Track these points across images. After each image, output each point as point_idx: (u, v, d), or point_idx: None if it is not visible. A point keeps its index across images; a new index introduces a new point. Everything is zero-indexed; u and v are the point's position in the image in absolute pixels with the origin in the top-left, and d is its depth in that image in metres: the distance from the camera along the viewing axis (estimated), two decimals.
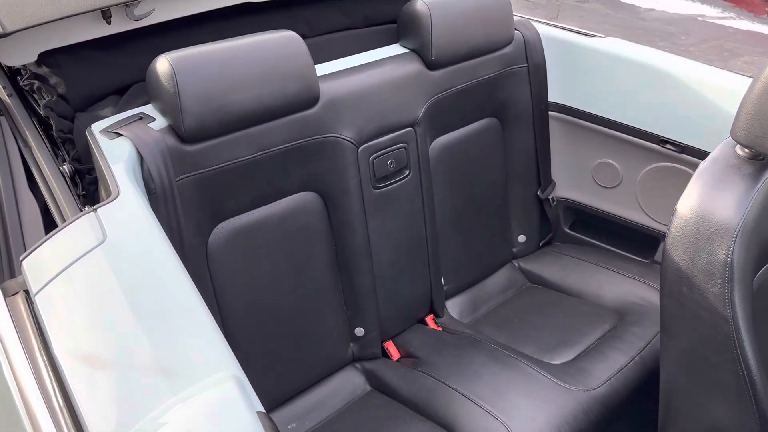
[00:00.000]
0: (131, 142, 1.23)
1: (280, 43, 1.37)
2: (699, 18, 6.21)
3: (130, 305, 0.92)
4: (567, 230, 2.12)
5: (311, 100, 1.43)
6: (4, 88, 1.40)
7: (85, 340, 0.90)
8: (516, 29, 1.85)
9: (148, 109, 1.34)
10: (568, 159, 2.04)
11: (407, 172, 1.67)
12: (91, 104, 1.42)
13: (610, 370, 1.58)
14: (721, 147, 1.16)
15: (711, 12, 6.49)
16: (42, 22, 1.24)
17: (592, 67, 1.91)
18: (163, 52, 1.47)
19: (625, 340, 1.67)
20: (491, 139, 1.91)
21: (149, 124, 1.28)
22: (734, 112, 1.10)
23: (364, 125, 1.56)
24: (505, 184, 1.97)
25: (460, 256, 1.89)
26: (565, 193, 2.08)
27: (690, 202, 1.10)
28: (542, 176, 2.03)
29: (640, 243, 2.00)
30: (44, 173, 1.27)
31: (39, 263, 1.01)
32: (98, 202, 1.32)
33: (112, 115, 1.36)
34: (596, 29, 2.22)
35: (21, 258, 1.02)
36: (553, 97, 1.97)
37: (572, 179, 2.06)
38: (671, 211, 1.12)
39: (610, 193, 2.00)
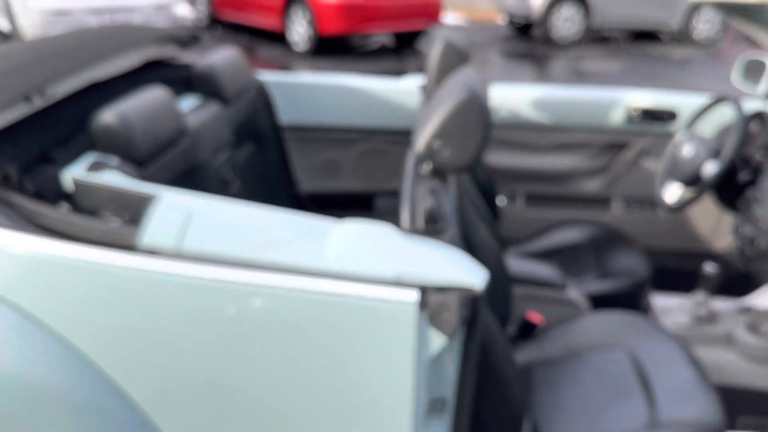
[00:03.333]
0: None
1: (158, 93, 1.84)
2: None
3: None
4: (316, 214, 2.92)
5: None
6: None
7: None
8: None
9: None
10: (303, 163, 2.85)
11: None
12: None
13: None
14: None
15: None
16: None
17: (303, 93, 2.75)
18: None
19: None
20: (259, 161, 2.59)
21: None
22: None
23: None
24: (273, 193, 2.67)
25: None
26: (308, 188, 2.89)
27: None
28: (291, 180, 2.80)
29: (360, 205, 2.92)
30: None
31: None
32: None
33: None
34: None
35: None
36: (283, 120, 2.76)
37: (308, 177, 2.88)
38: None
39: (336, 177, 2.87)
